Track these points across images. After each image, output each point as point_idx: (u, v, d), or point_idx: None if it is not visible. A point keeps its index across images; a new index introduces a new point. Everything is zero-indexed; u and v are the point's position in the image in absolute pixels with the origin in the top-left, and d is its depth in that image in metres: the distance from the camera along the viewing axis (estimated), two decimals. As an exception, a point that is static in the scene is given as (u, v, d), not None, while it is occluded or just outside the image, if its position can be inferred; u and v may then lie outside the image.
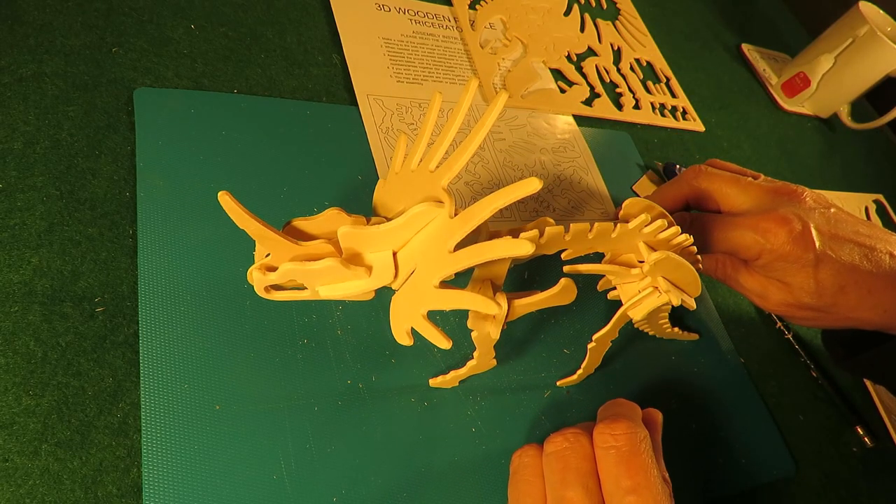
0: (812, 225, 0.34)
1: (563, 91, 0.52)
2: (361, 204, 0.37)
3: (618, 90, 0.57)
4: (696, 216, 0.38)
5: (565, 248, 0.29)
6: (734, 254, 0.36)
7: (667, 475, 0.27)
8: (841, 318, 0.36)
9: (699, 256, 0.34)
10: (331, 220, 0.25)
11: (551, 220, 0.28)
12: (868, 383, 0.48)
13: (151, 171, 0.33)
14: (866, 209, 0.67)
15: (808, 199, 0.36)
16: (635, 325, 0.40)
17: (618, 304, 0.33)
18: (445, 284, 0.24)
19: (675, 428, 0.38)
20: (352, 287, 0.26)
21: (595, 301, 0.41)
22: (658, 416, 0.30)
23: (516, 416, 0.34)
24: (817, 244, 0.34)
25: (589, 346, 0.33)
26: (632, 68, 0.60)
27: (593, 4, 0.64)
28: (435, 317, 0.35)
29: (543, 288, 0.28)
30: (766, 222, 0.34)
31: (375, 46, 0.46)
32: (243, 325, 0.30)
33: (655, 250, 0.30)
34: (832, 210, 0.36)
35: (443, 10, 0.53)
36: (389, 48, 0.47)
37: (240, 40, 0.41)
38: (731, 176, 0.37)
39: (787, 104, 0.72)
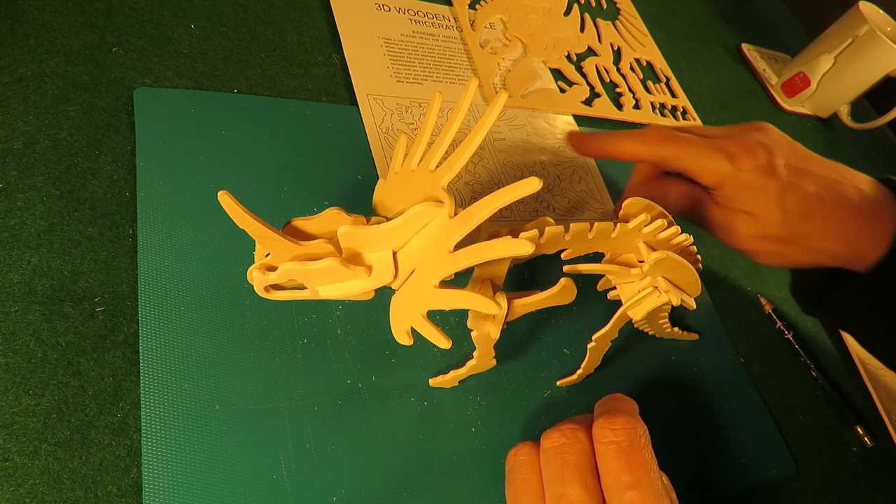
0: (778, 153, 0.35)
1: (563, 91, 0.52)
2: (361, 204, 0.37)
3: (618, 90, 0.57)
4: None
5: (565, 247, 0.29)
6: (698, 178, 0.36)
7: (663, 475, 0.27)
8: (807, 249, 0.36)
9: (699, 256, 0.34)
10: (331, 219, 0.25)
11: (551, 220, 0.28)
12: (868, 382, 0.48)
13: (151, 171, 0.33)
14: (866, 209, 0.67)
15: (773, 131, 0.37)
16: (635, 325, 0.40)
17: (618, 304, 0.33)
18: (445, 284, 0.24)
19: (675, 428, 0.38)
20: (352, 287, 0.26)
21: (595, 301, 0.41)
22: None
23: (516, 415, 0.34)
24: (784, 173, 0.34)
25: (589, 346, 0.33)
26: (632, 68, 0.60)
27: (593, 4, 0.64)
28: (435, 317, 0.35)
29: (543, 288, 0.28)
30: (734, 147, 0.35)
31: (375, 46, 0.46)
32: (243, 325, 0.30)
33: (655, 250, 0.31)
34: (798, 146, 0.37)
35: (443, 10, 0.53)
36: (389, 48, 0.47)
37: (240, 40, 0.41)
38: (688, 137, 0.37)
39: (787, 104, 0.72)
